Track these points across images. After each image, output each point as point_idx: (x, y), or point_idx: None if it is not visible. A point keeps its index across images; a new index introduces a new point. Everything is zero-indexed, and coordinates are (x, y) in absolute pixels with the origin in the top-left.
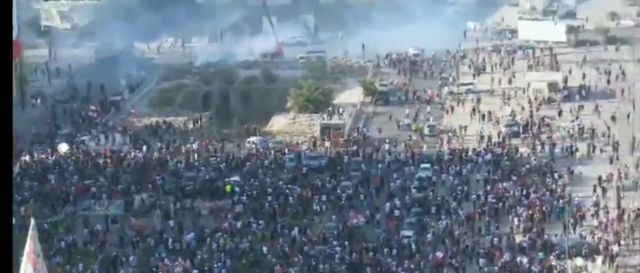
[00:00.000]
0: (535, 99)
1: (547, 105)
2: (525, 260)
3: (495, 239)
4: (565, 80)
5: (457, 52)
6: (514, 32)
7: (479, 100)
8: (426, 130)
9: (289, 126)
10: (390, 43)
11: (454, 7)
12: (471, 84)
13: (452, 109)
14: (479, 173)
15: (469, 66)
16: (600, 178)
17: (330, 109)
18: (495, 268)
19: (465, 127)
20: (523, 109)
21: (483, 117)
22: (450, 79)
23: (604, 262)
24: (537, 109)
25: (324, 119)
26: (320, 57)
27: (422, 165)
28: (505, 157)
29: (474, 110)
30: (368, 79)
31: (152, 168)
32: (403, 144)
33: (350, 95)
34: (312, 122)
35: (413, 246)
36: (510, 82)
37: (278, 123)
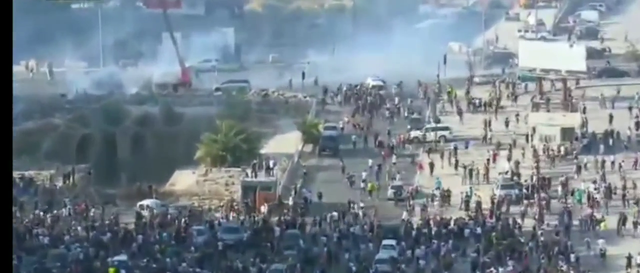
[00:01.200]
0: (543, 149)
1: (559, 158)
2: None
3: None
4: (585, 124)
5: (433, 84)
6: (512, 56)
7: (464, 149)
8: (390, 193)
9: (199, 185)
10: (341, 70)
11: (431, 22)
12: (449, 128)
13: (430, 164)
14: (463, 253)
15: (451, 103)
16: (629, 258)
17: (256, 161)
18: None
19: (447, 190)
20: (526, 163)
21: (470, 174)
22: (425, 121)
23: None
24: (547, 164)
25: (247, 175)
26: (244, 88)
27: (385, 242)
28: (501, 231)
29: (456, 164)
30: (309, 119)
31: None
32: (359, 212)
33: (285, 143)
34: (230, 179)
35: None
36: (507, 125)
37: (183, 181)
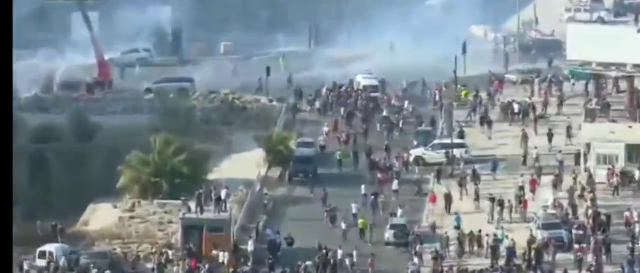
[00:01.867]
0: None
1: (625, 187)
2: None
3: None
4: None
5: (446, 83)
6: (558, 45)
7: (491, 174)
8: (390, 235)
9: (122, 224)
10: (322, 64)
11: None
12: (465, 145)
13: (446, 195)
14: None
15: (473, 111)
16: None
17: (202, 190)
18: None
19: (470, 233)
20: (577, 194)
21: (500, 208)
22: (436, 134)
23: None
24: (607, 195)
25: (189, 210)
26: (185, 90)
27: None
28: None
29: (477, 194)
30: (277, 132)
31: None
32: (345, 261)
33: (243, 165)
34: (166, 216)
35: None
36: (551, 140)
37: (100, 218)
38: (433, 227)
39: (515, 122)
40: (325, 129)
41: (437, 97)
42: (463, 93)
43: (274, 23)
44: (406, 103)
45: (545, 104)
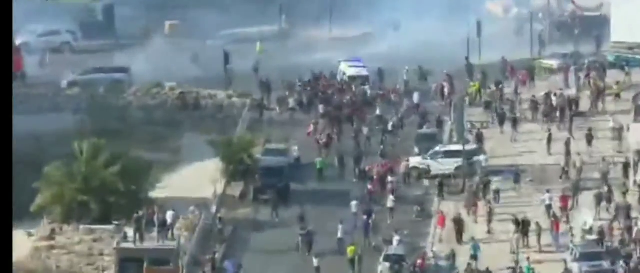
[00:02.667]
0: None
1: None
2: None
3: None
4: None
5: (460, 73)
6: (601, 23)
7: (513, 188)
8: (384, 269)
9: (38, 256)
10: (298, 49)
11: None
12: (479, 151)
13: (456, 220)
14: None
15: (490, 106)
16: None
17: (141, 213)
18: None
19: (486, 271)
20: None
21: (524, 232)
22: (443, 139)
23: None
24: None
25: (125, 237)
26: (120, 82)
27: None
28: None
29: (490, 214)
30: (239, 136)
31: None
32: None
33: (195, 179)
34: (96, 245)
35: None
36: (590, 144)
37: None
38: (441, 258)
39: (552, 121)
40: (308, 129)
41: (445, 91)
42: (474, 86)
43: None
44: (414, 97)
45: (597, 98)
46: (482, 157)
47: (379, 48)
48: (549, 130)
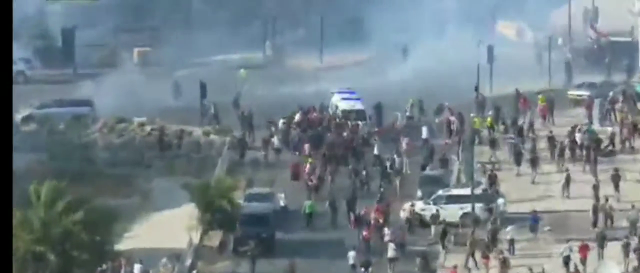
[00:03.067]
0: None
1: None
2: None
3: None
4: None
5: (468, 104)
6: (631, 50)
7: (530, 237)
8: None
9: None
10: (286, 79)
11: None
12: (496, 196)
13: None
14: None
15: (498, 144)
16: None
17: (105, 266)
18: None
19: None
20: None
21: None
22: (450, 181)
23: None
24: None
25: None
26: (82, 117)
27: None
28: None
29: (502, 265)
30: (216, 179)
31: None
32: None
33: (167, 228)
34: None
35: None
36: (617, 188)
37: None
38: None
39: (575, 160)
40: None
41: (452, 127)
42: (485, 121)
43: (213, 19)
44: (423, 132)
45: (627, 134)
46: (500, 201)
47: (377, 77)
48: (567, 170)
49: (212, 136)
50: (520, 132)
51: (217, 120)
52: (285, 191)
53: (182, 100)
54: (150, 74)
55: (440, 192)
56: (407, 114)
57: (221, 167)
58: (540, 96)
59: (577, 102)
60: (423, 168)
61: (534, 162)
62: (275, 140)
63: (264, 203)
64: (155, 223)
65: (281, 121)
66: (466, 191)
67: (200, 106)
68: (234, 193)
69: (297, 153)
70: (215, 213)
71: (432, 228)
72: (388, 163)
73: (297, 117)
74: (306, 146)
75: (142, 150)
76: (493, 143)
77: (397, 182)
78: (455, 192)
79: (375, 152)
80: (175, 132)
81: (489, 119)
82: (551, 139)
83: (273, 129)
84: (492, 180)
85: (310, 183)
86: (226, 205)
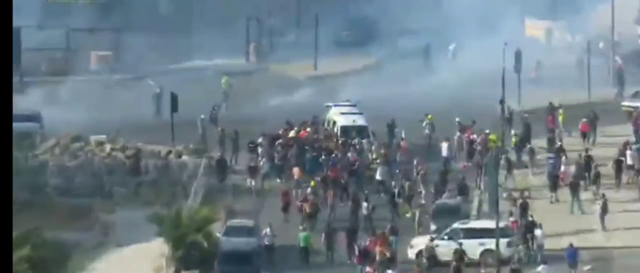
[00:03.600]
0: None
1: None
2: None
3: None
4: None
5: (492, 123)
6: None
7: None
8: None
9: None
10: (273, 87)
11: None
12: (538, 229)
13: None
14: None
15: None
16: None
17: None
18: None
19: None
20: None
21: None
22: (470, 212)
23: None
24: None
25: None
26: (29, 135)
27: None
28: None
29: None
30: (190, 208)
31: None
32: None
33: (131, 265)
34: None
35: None
36: None
37: None
38: None
39: (609, 187)
40: (277, 202)
41: (477, 147)
42: (513, 140)
43: (185, 19)
44: (443, 150)
45: None
46: (538, 232)
47: (383, 88)
48: (603, 196)
49: (185, 157)
50: (558, 151)
51: (204, 139)
52: (273, 223)
53: (149, 114)
54: (112, 82)
55: (456, 225)
56: (426, 131)
57: (196, 195)
58: (560, 110)
59: (630, 115)
60: (437, 195)
61: (575, 188)
62: (262, 163)
63: (247, 238)
64: (116, 262)
65: (260, 139)
66: (489, 223)
67: (171, 120)
68: (211, 226)
69: (279, 180)
70: (189, 250)
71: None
72: (396, 190)
73: (288, 133)
74: (295, 170)
75: (101, 175)
76: (515, 165)
77: (412, 212)
78: (476, 224)
79: (378, 177)
80: (142, 153)
81: (513, 139)
82: (588, 160)
83: (260, 150)
84: (524, 210)
85: (303, 209)
86: (201, 240)
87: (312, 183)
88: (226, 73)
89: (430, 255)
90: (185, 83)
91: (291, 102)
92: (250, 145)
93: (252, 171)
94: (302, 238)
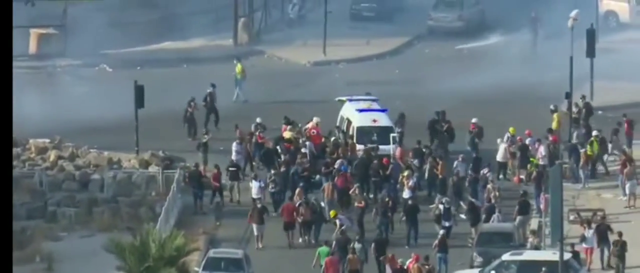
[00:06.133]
0: None
1: None
2: None
3: None
4: None
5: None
6: None
7: None
8: None
9: None
10: (269, 76)
11: None
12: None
13: None
14: None
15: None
16: None
17: None
18: None
19: None
20: None
21: None
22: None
23: None
24: None
25: None
26: None
27: None
28: None
29: None
30: (158, 234)
31: None
32: None
33: None
34: None
35: None
36: None
37: None
38: None
39: None
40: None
41: (538, 155)
42: (593, 146)
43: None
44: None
45: None
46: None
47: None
48: None
49: (152, 168)
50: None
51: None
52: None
53: (106, 111)
54: (56, 70)
55: (506, 257)
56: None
57: (167, 217)
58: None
59: None
60: (481, 217)
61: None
62: (253, 186)
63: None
64: None
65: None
66: (551, 254)
67: (135, 119)
68: (186, 258)
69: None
70: None
71: None
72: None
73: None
74: (298, 191)
75: (44, 191)
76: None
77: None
78: (533, 256)
79: (406, 195)
80: (96, 162)
81: (594, 143)
82: None
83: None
84: (602, 234)
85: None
86: None
87: (333, 213)
88: (207, 58)
89: None
90: (154, 70)
91: (291, 95)
92: (230, 169)
93: (234, 174)
94: (321, 252)
